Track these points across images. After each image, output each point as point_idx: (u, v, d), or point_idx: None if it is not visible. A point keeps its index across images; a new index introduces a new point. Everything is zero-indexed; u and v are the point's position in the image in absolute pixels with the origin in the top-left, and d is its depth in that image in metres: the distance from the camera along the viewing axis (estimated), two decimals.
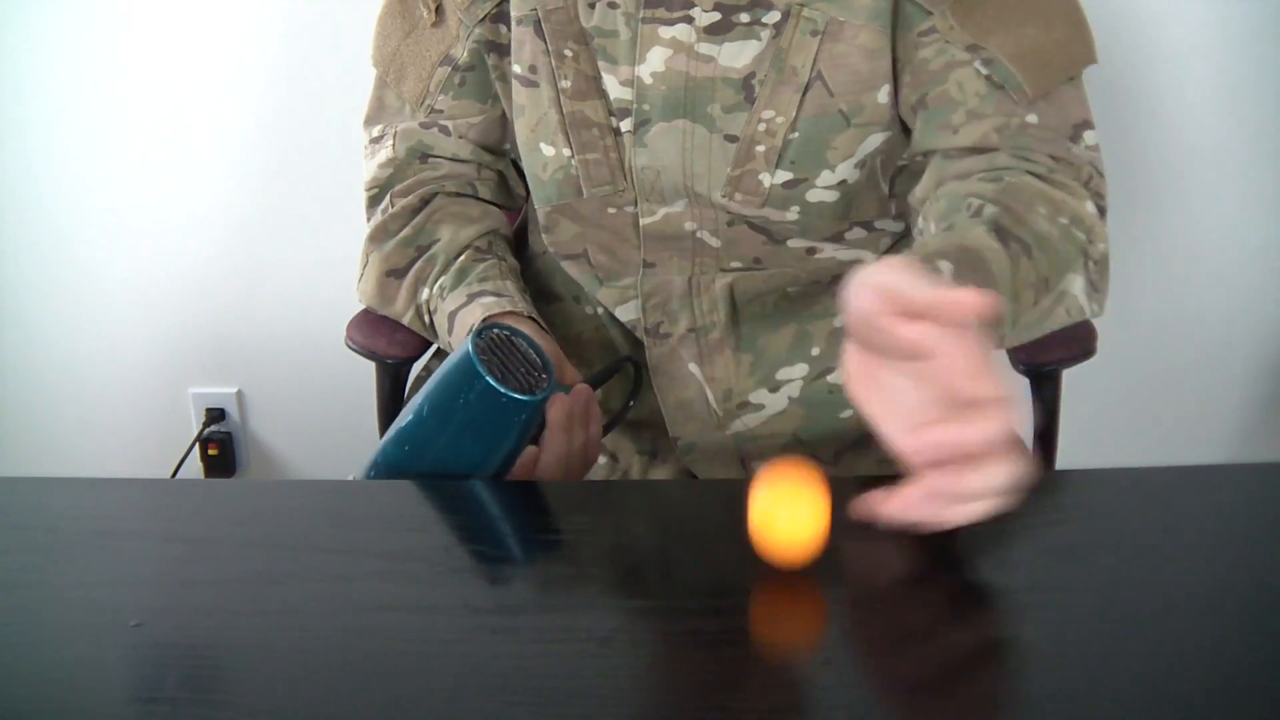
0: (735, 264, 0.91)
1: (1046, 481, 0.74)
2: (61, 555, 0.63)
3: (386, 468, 0.76)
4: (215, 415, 1.76)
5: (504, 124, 0.97)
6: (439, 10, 0.94)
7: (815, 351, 0.92)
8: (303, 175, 1.60)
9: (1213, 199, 1.49)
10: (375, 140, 1.01)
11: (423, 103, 0.96)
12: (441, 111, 0.96)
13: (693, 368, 0.92)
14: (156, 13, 1.53)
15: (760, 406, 0.92)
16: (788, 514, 0.57)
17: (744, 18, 0.83)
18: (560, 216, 0.93)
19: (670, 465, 0.95)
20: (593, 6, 0.86)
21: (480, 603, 0.59)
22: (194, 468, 1.76)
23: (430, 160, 0.99)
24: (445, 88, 0.96)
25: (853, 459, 0.92)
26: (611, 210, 0.91)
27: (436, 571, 0.62)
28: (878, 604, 0.57)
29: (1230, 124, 1.44)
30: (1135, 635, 0.54)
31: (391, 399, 1.09)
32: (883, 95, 0.84)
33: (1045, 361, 1.02)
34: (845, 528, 0.65)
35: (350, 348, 1.04)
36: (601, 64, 0.87)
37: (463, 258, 0.93)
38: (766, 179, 0.86)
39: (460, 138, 0.97)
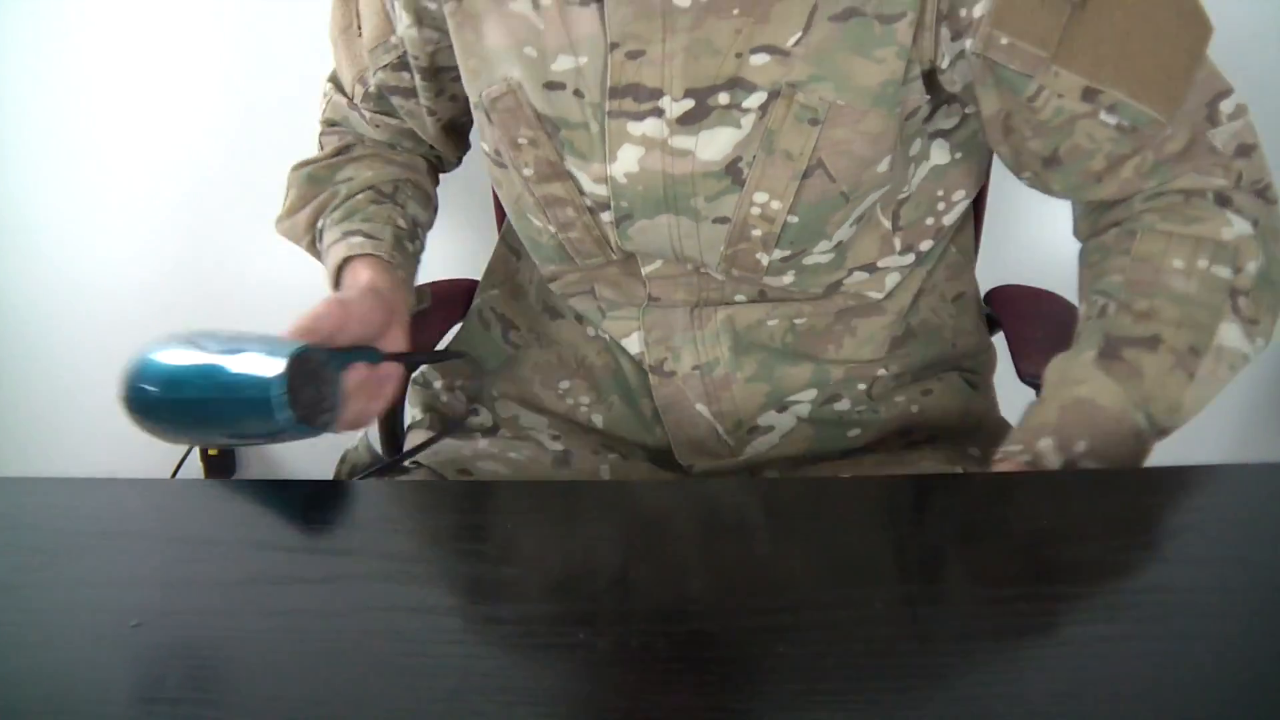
0: (739, 297, 0.89)
1: (1046, 481, 0.74)
2: (61, 555, 0.63)
3: (152, 380, 0.74)
4: None
5: (413, 134, 0.98)
6: (361, 30, 0.93)
7: (830, 384, 0.91)
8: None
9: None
10: (325, 95, 1.03)
11: (352, 98, 0.98)
12: (369, 109, 0.98)
13: (700, 408, 0.91)
14: (153, 12, 1.53)
15: (770, 428, 0.91)
16: None
17: (722, 99, 0.77)
18: (562, 269, 0.92)
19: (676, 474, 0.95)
20: (551, 90, 0.80)
21: (480, 603, 0.59)
22: (194, 468, 1.76)
23: (355, 130, 1.01)
24: (365, 99, 0.97)
25: (860, 456, 0.92)
26: (612, 267, 0.90)
27: (436, 571, 0.62)
28: (877, 604, 0.57)
29: None
30: (1135, 635, 0.54)
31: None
32: (882, 166, 0.80)
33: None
34: (844, 529, 0.65)
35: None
36: (570, 158, 0.82)
37: (360, 196, 0.94)
38: (764, 258, 0.83)
39: (379, 128, 0.99)
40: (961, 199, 0.89)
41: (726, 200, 0.80)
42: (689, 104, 0.77)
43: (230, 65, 1.55)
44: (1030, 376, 0.97)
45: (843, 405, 0.91)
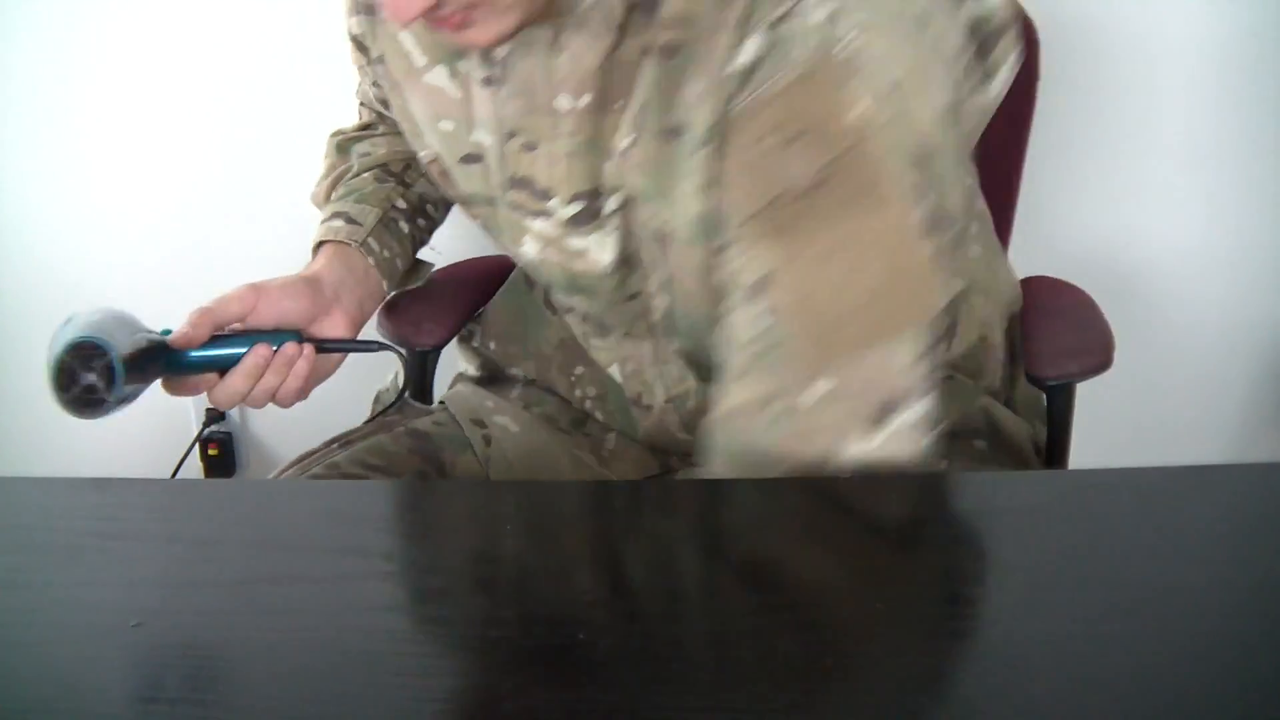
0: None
1: (1046, 482, 0.74)
2: (61, 555, 0.63)
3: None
4: (215, 415, 1.76)
5: None
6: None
7: None
8: (303, 174, 1.60)
9: (1213, 199, 1.49)
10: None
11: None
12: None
13: (683, 436, 0.92)
14: (153, 12, 1.53)
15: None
16: None
17: (602, 204, 0.75)
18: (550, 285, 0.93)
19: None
20: (467, 162, 0.81)
21: (480, 603, 0.59)
22: (194, 468, 1.76)
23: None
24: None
25: None
26: None
27: (436, 571, 0.62)
28: (877, 604, 0.57)
29: (1231, 124, 1.44)
30: (1135, 635, 0.54)
31: (419, 384, 1.11)
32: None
33: (1057, 375, 0.97)
34: (843, 528, 0.65)
35: (380, 334, 1.07)
36: (489, 230, 0.85)
37: (367, 174, 0.96)
38: (668, 344, 0.85)
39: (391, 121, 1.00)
40: None
41: (631, 284, 0.80)
42: (577, 207, 0.76)
43: (228, 65, 1.55)
44: (1039, 377, 0.96)
45: None
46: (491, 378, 1.04)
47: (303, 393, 0.84)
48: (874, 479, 0.70)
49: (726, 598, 0.58)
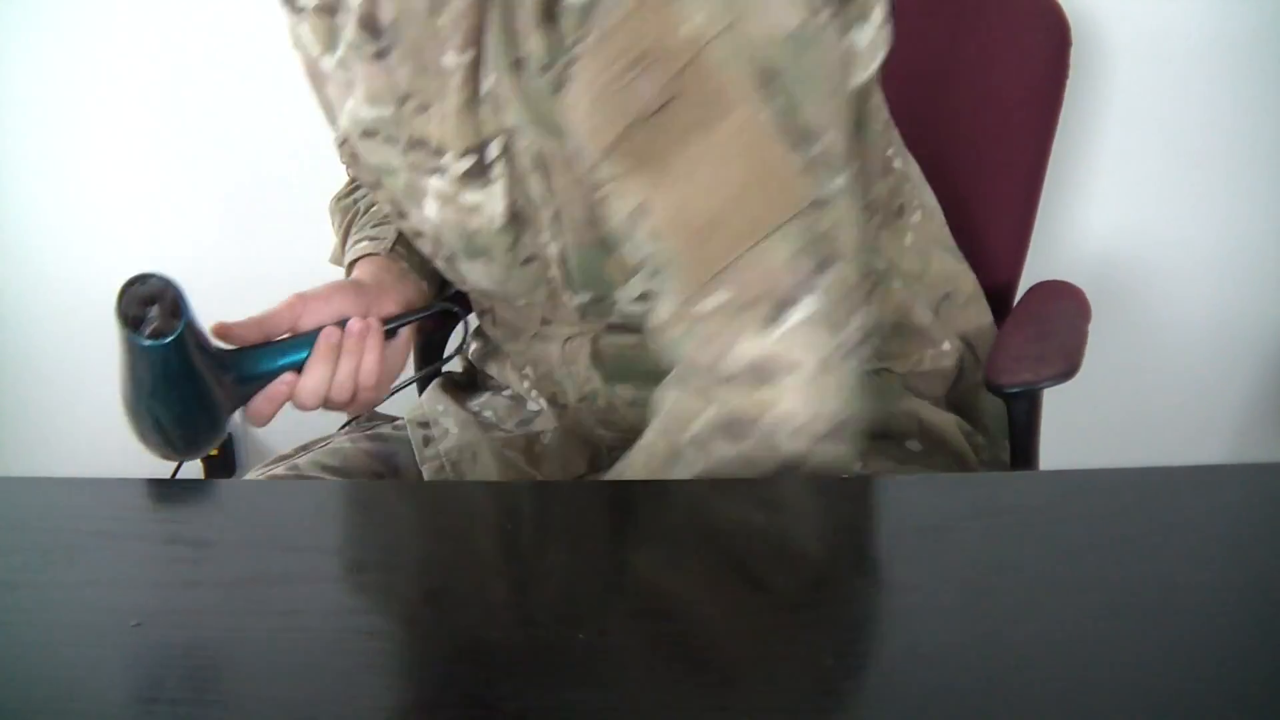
0: (614, 318, 0.87)
1: (1046, 482, 0.74)
2: (61, 555, 0.63)
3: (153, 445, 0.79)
4: None
5: None
6: None
7: None
8: (302, 174, 1.60)
9: (1214, 198, 1.49)
10: None
11: None
12: None
13: (601, 432, 0.92)
14: (150, 12, 1.53)
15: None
16: None
17: (493, 150, 0.77)
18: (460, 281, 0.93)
19: None
20: (367, 139, 0.83)
21: (480, 603, 0.59)
22: (194, 468, 1.76)
23: None
24: None
25: None
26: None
27: (436, 571, 0.62)
28: (877, 604, 0.57)
29: (1231, 124, 1.44)
30: (1135, 635, 0.54)
31: (424, 379, 1.13)
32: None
33: (1011, 382, 0.92)
34: (843, 531, 0.65)
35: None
36: (394, 205, 0.86)
37: (375, 207, 0.98)
38: (569, 299, 0.84)
39: None
40: None
41: (523, 244, 0.81)
42: (469, 161, 0.78)
43: (228, 66, 1.55)
44: (996, 385, 0.92)
45: None
46: (470, 381, 1.05)
47: (383, 377, 0.83)
48: (866, 479, 0.70)
49: (728, 598, 0.58)
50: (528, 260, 0.82)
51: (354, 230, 0.98)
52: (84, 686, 0.53)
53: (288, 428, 1.79)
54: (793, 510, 0.68)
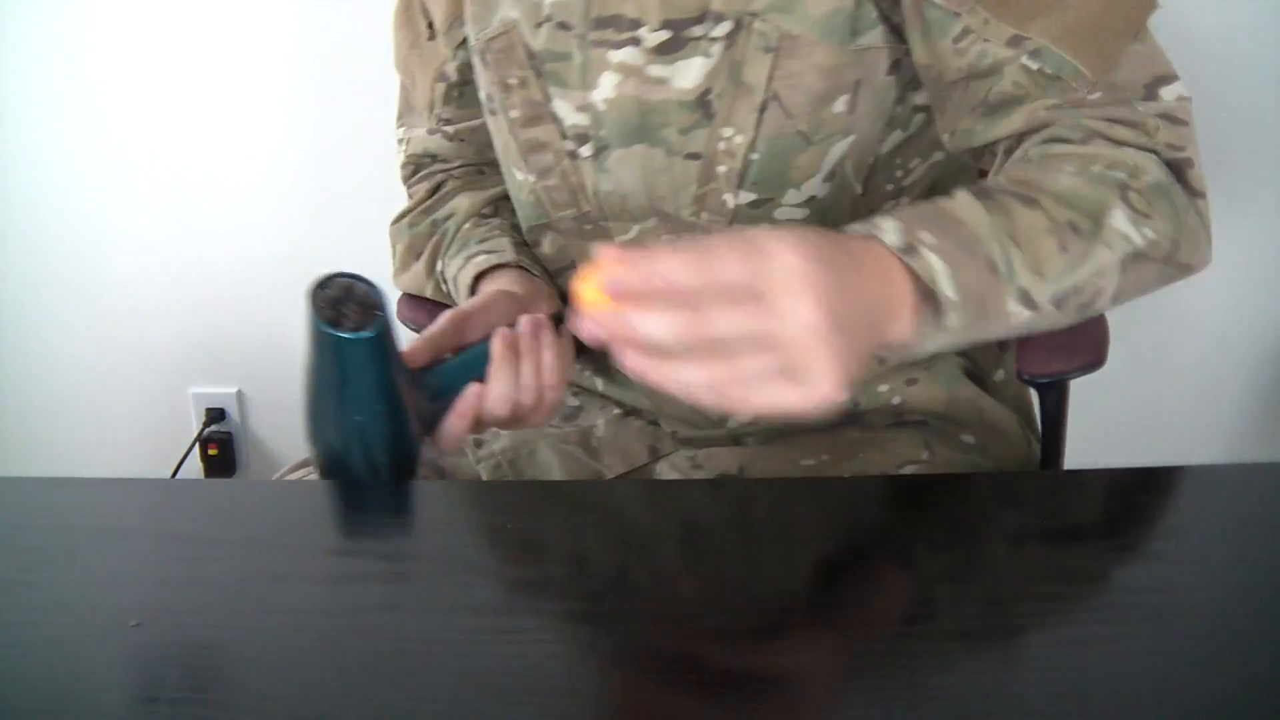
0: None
1: (1046, 481, 0.74)
2: (61, 555, 0.63)
3: (308, 426, 0.75)
4: (215, 415, 1.76)
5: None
6: (432, 26, 0.95)
7: None
8: (302, 175, 1.60)
9: (1213, 199, 1.49)
10: (400, 141, 1.06)
11: (431, 110, 0.99)
12: (449, 120, 0.99)
13: (662, 407, 0.92)
14: (155, 8, 1.53)
15: None
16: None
17: (695, 32, 0.79)
18: (542, 232, 0.94)
19: (667, 434, 0.96)
20: (540, 27, 0.84)
21: (481, 603, 0.59)
22: (194, 468, 1.76)
23: (439, 161, 1.03)
24: (447, 99, 0.98)
25: (840, 429, 0.91)
26: (587, 226, 0.91)
27: (436, 571, 0.62)
28: (877, 605, 0.57)
29: (1231, 124, 1.44)
30: (1135, 635, 0.54)
31: None
32: (839, 105, 0.80)
33: (1046, 372, 0.95)
34: (843, 529, 0.65)
35: (402, 323, 1.08)
36: (554, 89, 0.85)
37: (467, 225, 0.96)
38: (730, 199, 0.84)
39: (463, 141, 1.00)
40: (917, 165, 0.89)
41: (697, 135, 0.82)
42: (665, 35, 0.80)
43: (227, 67, 1.55)
44: (1027, 375, 0.95)
45: None
46: None
47: (564, 375, 0.81)
48: (862, 480, 0.70)
49: (740, 597, 0.58)
50: (690, 155, 0.83)
51: (453, 251, 0.95)
52: (84, 686, 0.53)
53: (289, 428, 1.79)
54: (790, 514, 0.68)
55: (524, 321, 0.79)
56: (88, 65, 1.56)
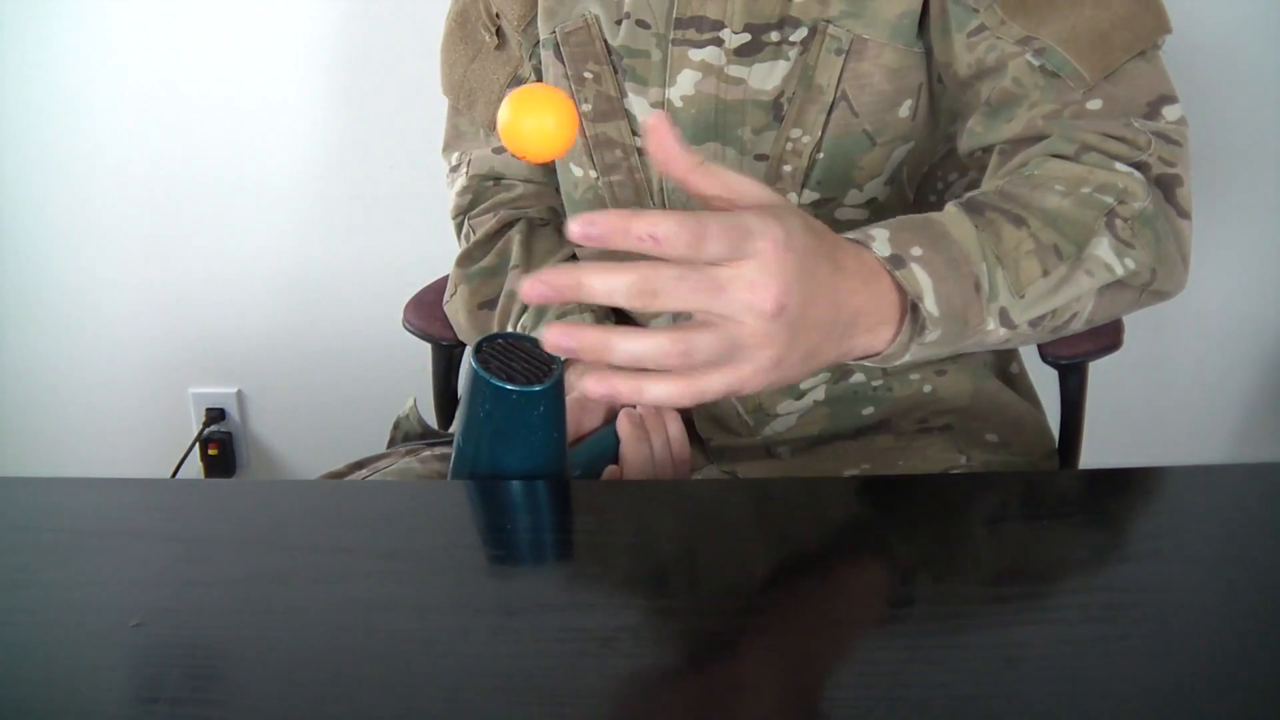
0: None
1: (1045, 481, 0.74)
2: (61, 555, 0.63)
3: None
4: (215, 415, 1.76)
5: None
6: (500, 33, 0.96)
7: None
8: (302, 177, 1.60)
9: (1213, 199, 1.49)
10: (454, 168, 1.04)
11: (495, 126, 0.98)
12: None
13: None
14: (154, 11, 1.53)
15: (789, 414, 0.93)
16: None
17: (774, 36, 0.82)
18: None
19: (696, 448, 0.96)
20: (619, 24, 0.86)
21: (481, 603, 0.59)
22: (194, 468, 1.76)
23: (504, 182, 1.02)
24: None
25: (871, 436, 0.92)
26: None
27: (436, 571, 0.62)
28: (879, 605, 0.57)
29: (1231, 123, 1.45)
30: (1136, 635, 0.54)
31: (445, 380, 1.15)
32: (904, 110, 0.83)
33: (1071, 354, 1.01)
34: (844, 529, 0.65)
35: (407, 329, 1.08)
36: (630, 85, 0.88)
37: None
38: (794, 199, 0.86)
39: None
40: (955, 179, 0.91)
41: (767, 136, 0.85)
42: (746, 37, 0.83)
43: (229, 67, 1.55)
44: (1053, 357, 1.00)
45: (858, 379, 0.92)
46: None
47: (688, 443, 0.83)
48: (872, 480, 0.70)
49: (732, 595, 0.59)
50: (759, 156, 0.86)
51: (525, 327, 0.94)
52: (84, 686, 0.53)
53: (289, 428, 1.79)
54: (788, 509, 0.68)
55: (643, 407, 0.81)
56: (90, 65, 1.56)
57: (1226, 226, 1.50)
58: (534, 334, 0.93)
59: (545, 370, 0.73)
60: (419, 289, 1.16)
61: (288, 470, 1.80)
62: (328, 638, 0.56)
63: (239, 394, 1.75)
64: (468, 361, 0.73)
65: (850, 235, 0.66)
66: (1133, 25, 0.76)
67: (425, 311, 1.07)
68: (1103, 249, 0.70)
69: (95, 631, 0.57)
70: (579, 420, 0.83)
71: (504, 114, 0.62)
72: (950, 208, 0.70)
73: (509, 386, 0.71)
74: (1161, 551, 0.61)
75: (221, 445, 1.76)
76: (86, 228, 1.65)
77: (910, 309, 0.64)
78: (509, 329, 0.96)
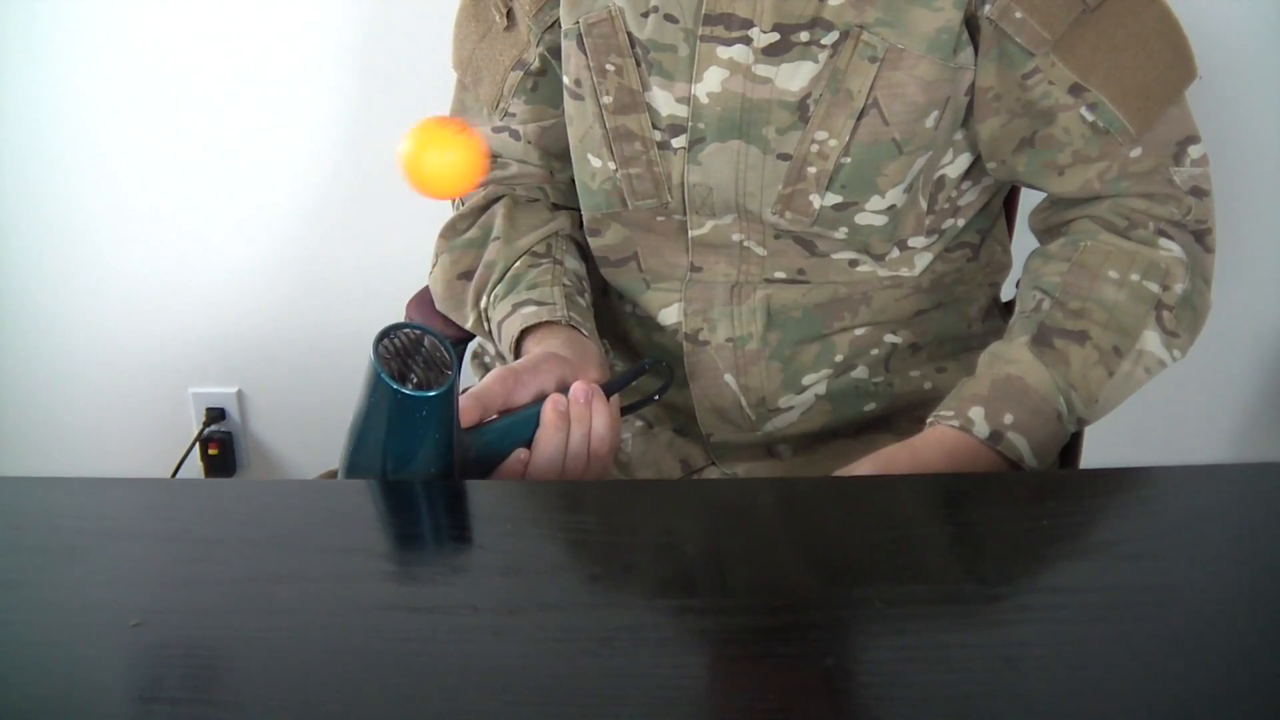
0: (779, 274, 0.91)
1: (1045, 482, 0.74)
2: (61, 555, 0.63)
3: (349, 473, 0.75)
4: (215, 415, 1.76)
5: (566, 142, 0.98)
6: (510, 15, 0.95)
7: (838, 358, 0.93)
8: (302, 177, 1.60)
9: (1221, 197, 1.49)
10: None
11: (497, 105, 0.98)
12: (515, 115, 0.98)
13: (728, 378, 0.93)
14: (153, 11, 1.53)
15: (790, 408, 0.93)
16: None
17: (803, 37, 0.83)
18: (608, 222, 0.94)
19: (697, 447, 0.96)
20: (646, 16, 0.86)
21: (481, 602, 0.59)
22: (194, 468, 1.76)
23: (499, 160, 1.00)
24: (518, 91, 0.97)
25: (872, 435, 0.93)
26: (660, 218, 0.92)
27: (436, 571, 0.62)
28: (877, 603, 0.57)
29: (1231, 123, 1.44)
30: (1136, 635, 0.54)
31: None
32: (930, 121, 0.84)
33: None
34: (845, 530, 0.65)
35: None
36: (655, 79, 0.87)
37: (517, 264, 0.94)
38: (816, 200, 0.86)
39: (529, 143, 0.99)
40: (968, 188, 0.93)
41: (791, 136, 0.85)
42: (774, 37, 0.83)
43: (230, 68, 1.55)
44: None
45: (859, 373, 0.92)
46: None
47: (615, 444, 0.82)
48: (864, 479, 0.70)
49: (728, 596, 0.58)
50: (782, 156, 0.86)
51: (500, 293, 0.93)
52: (84, 686, 0.53)
53: (289, 428, 1.79)
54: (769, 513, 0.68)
55: (577, 389, 0.79)
56: (91, 65, 1.56)
57: (1227, 226, 1.49)
58: (505, 302, 0.92)
59: (439, 374, 0.71)
60: (419, 288, 1.16)
61: (288, 470, 1.80)
62: (328, 638, 0.56)
63: (239, 394, 1.74)
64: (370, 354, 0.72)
65: (945, 414, 0.79)
66: (1170, 77, 0.85)
67: (426, 311, 1.06)
68: (1154, 344, 0.82)
69: (95, 631, 0.57)
70: (510, 393, 0.79)
71: (405, 145, 0.60)
72: (1020, 349, 0.81)
73: (399, 388, 0.69)
74: (1161, 551, 0.61)
75: (221, 445, 1.76)
76: (86, 227, 1.65)
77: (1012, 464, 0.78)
78: (483, 299, 0.94)
